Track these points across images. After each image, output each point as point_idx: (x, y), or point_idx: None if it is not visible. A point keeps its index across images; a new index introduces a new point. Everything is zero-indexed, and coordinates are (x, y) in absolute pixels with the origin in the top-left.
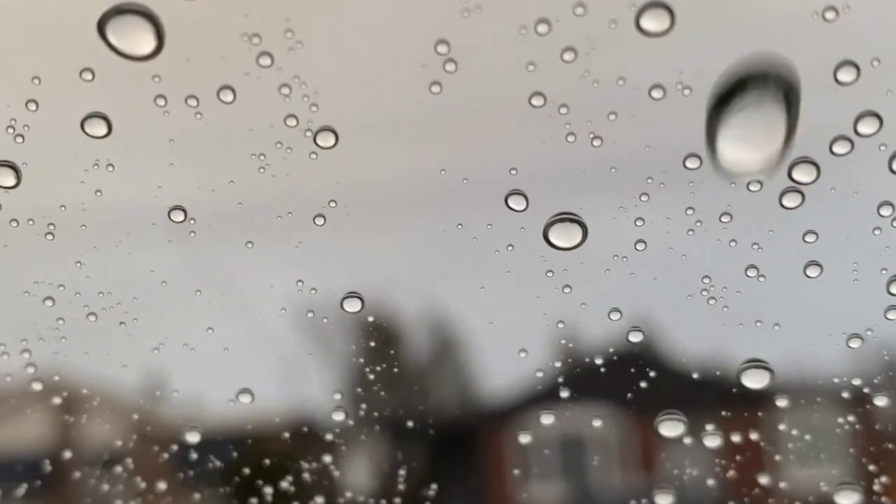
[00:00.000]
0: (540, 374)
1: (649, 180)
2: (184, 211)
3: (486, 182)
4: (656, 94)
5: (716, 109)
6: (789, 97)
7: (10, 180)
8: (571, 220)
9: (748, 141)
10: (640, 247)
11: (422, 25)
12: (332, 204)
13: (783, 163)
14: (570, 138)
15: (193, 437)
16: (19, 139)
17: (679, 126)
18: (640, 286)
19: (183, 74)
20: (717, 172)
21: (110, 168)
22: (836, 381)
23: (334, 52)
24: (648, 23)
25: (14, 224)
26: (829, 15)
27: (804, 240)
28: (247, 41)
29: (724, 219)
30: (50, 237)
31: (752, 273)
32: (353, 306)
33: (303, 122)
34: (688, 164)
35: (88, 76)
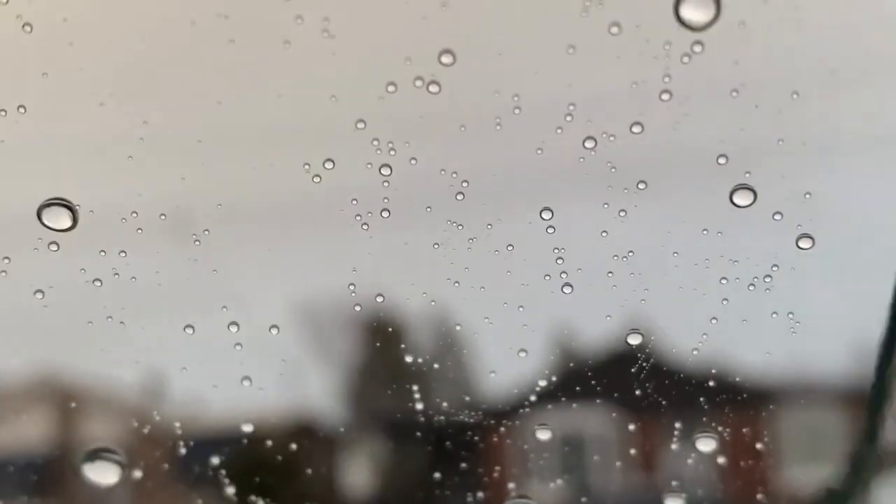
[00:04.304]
0: (540, 375)
1: (650, 181)
2: (183, 212)
3: (487, 182)
4: (663, 96)
5: None
6: None
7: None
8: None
9: None
10: (640, 248)
11: (422, 25)
12: (333, 205)
13: None
14: (571, 138)
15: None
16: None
17: (681, 127)
18: (640, 287)
19: (182, 80)
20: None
21: (110, 169)
22: (835, 381)
23: (332, 50)
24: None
25: (14, 225)
26: None
27: (798, 245)
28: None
29: (725, 219)
30: (50, 239)
31: (753, 274)
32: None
33: (302, 122)
34: (688, 164)
35: (89, 75)
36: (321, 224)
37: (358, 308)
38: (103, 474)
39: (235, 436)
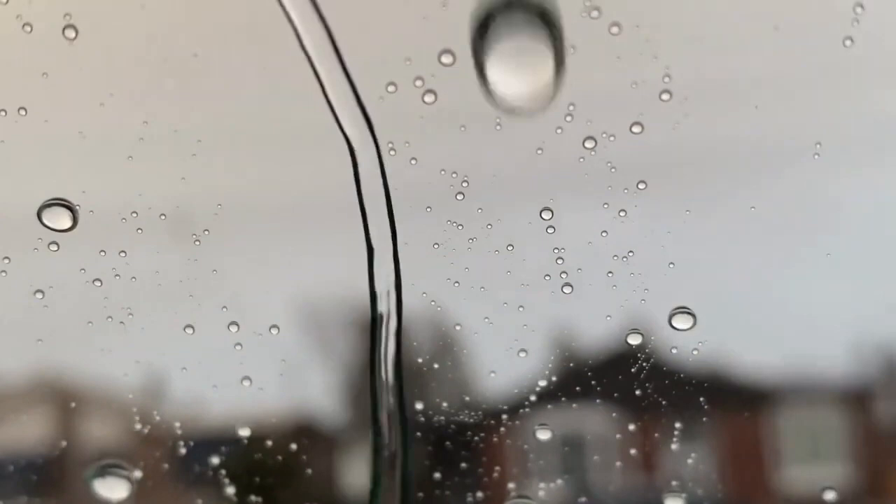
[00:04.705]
0: (540, 375)
1: (650, 181)
2: (183, 212)
3: (487, 182)
4: (663, 96)
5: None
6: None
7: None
8: None
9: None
10: (640, 248)
11: (422, 25)
12: (332, 205)
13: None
14: (571, 138)
15: None
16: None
17: (681, 127)
18: (640, 287)
19: (182, 80)
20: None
21: (109, 169)
22: (836, 381)
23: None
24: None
25: (14, 225)
26: None
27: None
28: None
29: (725, 219)
30: (50, 239)
31: (754, 275)
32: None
33: (302, 122)
34: (689, 164)
35: (89, 75)
36: (321, 224)
37: (358, 308)
38: (113, 489)
39: (235, 436)
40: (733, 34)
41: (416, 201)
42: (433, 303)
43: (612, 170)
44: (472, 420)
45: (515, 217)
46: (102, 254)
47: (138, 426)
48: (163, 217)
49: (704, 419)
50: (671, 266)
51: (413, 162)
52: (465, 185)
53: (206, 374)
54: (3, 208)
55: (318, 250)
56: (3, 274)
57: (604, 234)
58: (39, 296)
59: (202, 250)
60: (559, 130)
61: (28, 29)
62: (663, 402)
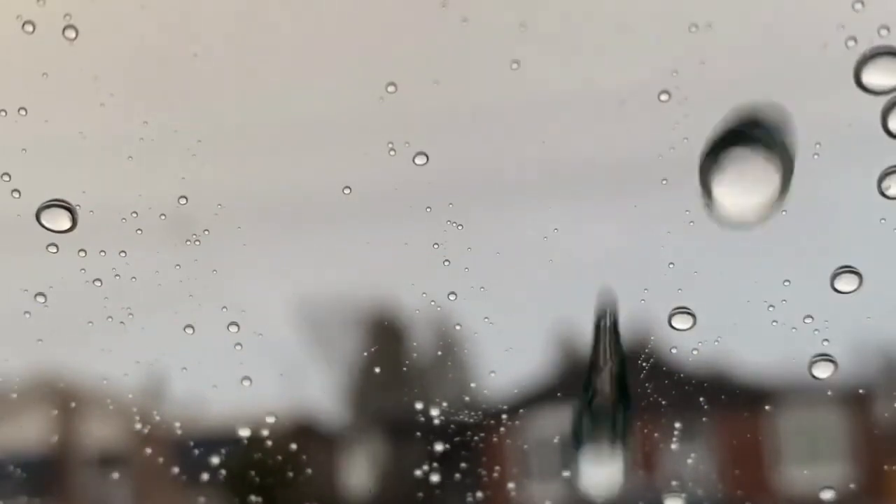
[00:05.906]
0: (540, 374)
1: (650, 181)
2: (182, 211)
3: (486, 182)
4: (662, 96)
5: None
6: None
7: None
8: None
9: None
10: (639, 248)
11: (422, 25)
12: (332, 205)
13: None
14: (571, 139)
15: None
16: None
17: (681, 127)
18: (640, 287)
19: (182, 80)
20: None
21: (108, 169)
22: (835, 381)
23: (332, 50)
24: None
25: (14, 225)
26: None
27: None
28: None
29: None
30: (50, 239)
31: (754, 275)
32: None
33: (302, 122)
34: (688, 164)
35: (89, 75)
36: (321, 224)
37: (358, 308)
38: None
39: (235, 436)
40: (733, 34)
41: (416, 201)
42: (433, 303)
43: (613, 169)
44: (472, 420)
45: (516, 217)
46: (102, 254)
47: (138, 426)
48: (163, 217)
49: (704, 419)
50: (671, 266)
51: (413, 162)
52: (464, 185)
53: (206, 374)
54: (2, 208)
55: (318, 250)
56: (4, 275)
57: (603, 235)
58: (40, 297)
59: (202, 250)
60: (559, 130)
61: (28, 29)
62: (663, 402)
